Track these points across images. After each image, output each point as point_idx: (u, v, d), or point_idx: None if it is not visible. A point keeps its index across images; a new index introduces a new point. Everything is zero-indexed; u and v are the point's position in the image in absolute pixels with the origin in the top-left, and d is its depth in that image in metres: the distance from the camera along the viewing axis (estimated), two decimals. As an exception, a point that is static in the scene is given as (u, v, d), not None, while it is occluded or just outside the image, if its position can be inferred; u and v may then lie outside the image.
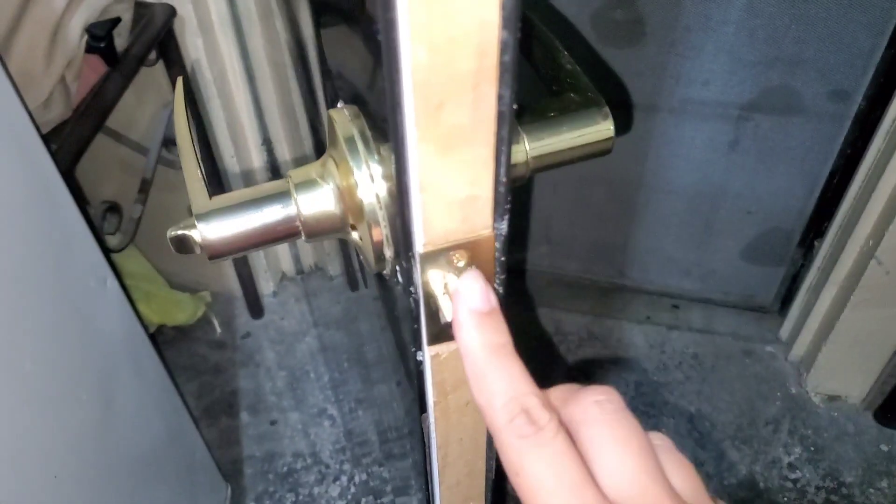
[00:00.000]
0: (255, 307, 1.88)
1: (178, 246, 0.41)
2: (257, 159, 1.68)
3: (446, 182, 0.33)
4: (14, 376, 0.84)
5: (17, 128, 0.88)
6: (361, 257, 0.44)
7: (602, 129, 0.43)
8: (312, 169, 0.42)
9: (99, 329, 1.04)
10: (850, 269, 1.53)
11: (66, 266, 0.96)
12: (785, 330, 1.81)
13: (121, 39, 1.22)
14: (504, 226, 0.36)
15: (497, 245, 0.37)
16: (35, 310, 0.89)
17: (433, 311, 0.39)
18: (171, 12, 1.35)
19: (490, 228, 0.36)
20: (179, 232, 0.41)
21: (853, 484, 1.59)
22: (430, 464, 0.50)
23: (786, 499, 1.57)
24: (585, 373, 1.78)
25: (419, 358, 0.42)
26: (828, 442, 1.66)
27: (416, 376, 0.43)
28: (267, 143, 1.67)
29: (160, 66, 1.41)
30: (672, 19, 1.40)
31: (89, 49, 1.15)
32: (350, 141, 0.40)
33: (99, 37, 1.12)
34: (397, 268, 0.40)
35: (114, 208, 1.30)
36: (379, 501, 1.58)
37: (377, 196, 0.40)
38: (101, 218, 1.28)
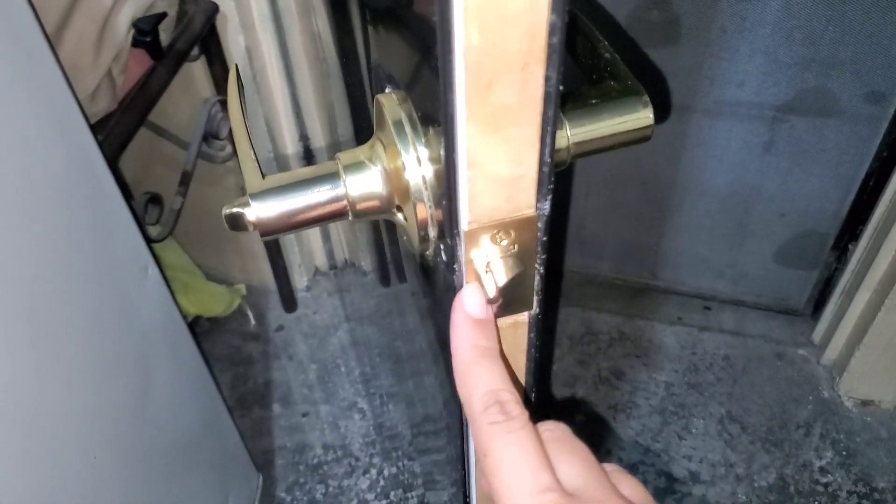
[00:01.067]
0: (289, 301, 1.90)
1: (232, 223, 0.43)
2: (294, 155, 1.70)
3: (493, 160, 0.35)
4: (58, 360, 0.87)
5: (68, 118, 0.90)
6: (405, 238, 0.46)
7: (642, 116, 0.45)
8: (361, 151, 0.43)
9: (139, 316, 1.07)
10: (884, 273, 1.53)
11: (109, 253, 0.99)
12: (818, 333, 1.80)
13: (165, 35, 1.24)
14: (547, 206, 0.38)
15: (540, 225, 0.38)
16: (79, 295, 0.91)
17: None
18: (214, 9, 1.38)
19: (533, 208, 0.37)
20: (234, 210, 0.43)
21: (885, 489, 1.58)
22: (466, 446, 0.52)
23: (817, 503, 1.57)
24: (615, 373, 1.78)
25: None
26: (860, 447, 1.65)
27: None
28: (304, 139, 1.69)
29: (201, 61, 1.44)
30: (708, 20, 1.40)
31: (135, 43, 1.17)
32: (398, 124, 0.42)
33: (145, 31, 1.14)
34: (441, 246, 0.42)
35: (155, 199, 1.33)
36: (408, 495, 1.60)
37: (423, 177, 0.41)
38: (142, 209, 1.30)
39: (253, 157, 0.44)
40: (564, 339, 1.84)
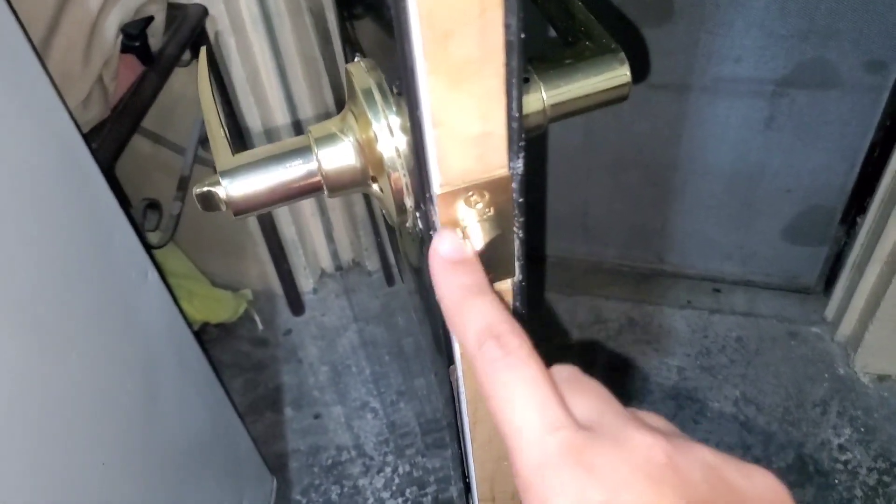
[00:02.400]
0: (296, 304, 1.90)
1: (204, 203, 0.42)
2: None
3: (459, 117, 0.34)
4: (62, 367, 0.86)
5: (59, 127, 0.90)
6: (383, 211, 0.45)
7: (618, 74, 0.43)
8: (332, 123, 0.42)
9: (141, 321, 1.06)
10: (894, 245, 1.51)
11: (107, 259, 0.98)
12: (830, 310, 1.78)
13: (155, 39, 1.24)
14: (520, 165, 0.37)
15: (514, 185, 0.37)
16: (79, 303, 0.91)
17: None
18: (203, 12, 1.37)
19: (506, 167, 0.36)
20: (205, 189, 0.42)
21: (906, 463, 1.56)
22: (461, 420, 0.51)
23: (837, 481, 1.55)
24: (626, 360, 1.77)
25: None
26: (878, 422, 1.63)
27: (441, 326, 0.43)
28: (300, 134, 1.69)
29: (194, 65, 1.44)
30: (701, -4, 1.39)
31: (125, 49, 1.17)
32: (367, 93, 0.41)
33: (133, 35, 1.14)
34: (418, 215, 0.41)
35: (154, 205, 1.33)
36: (423, 492, 1.58)
37: (396, 147, 0.40)
38: (141, 215, 1.30)
39: (223, 134, 0.43)
40: (573, 327, 1.83)
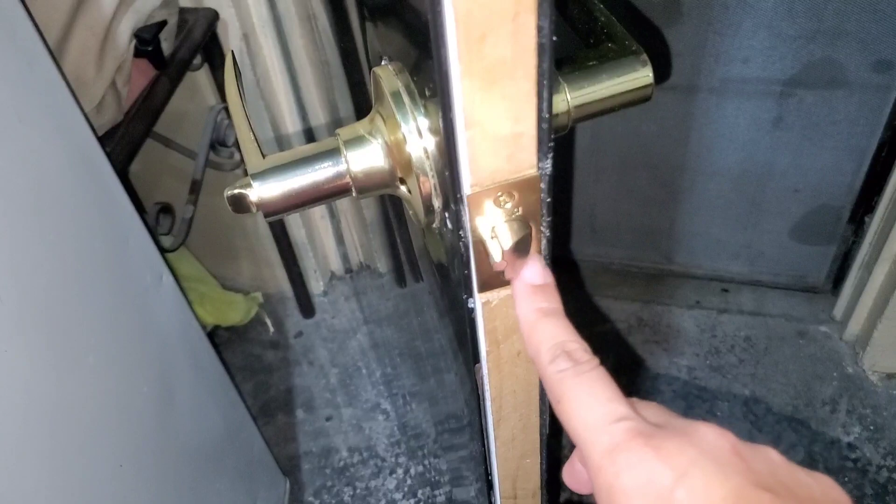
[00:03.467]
0: (307, 307, 1.90)
1: (234, 205, 0.43)
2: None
3: (491, 118, 0.34)
4: (78, 370, 0.87)
5: (75, 130, 0.91)
6: (410, 212, 0.46)
7: (641, 75, 0.44)
8: (360, 126, 0.43)
9: (156, 324, 1.07)
10: (902, 243, 1.51)
11: (123, 263, 0.99)
12: (839, 309, 1.79)
13: (167, 43, 1.25)
14: (549, 165, 0.37)
15: (542, 185, 0.38)
16: (95, 306, 0.92)
17: (482, 256, 0.40)
18: (214, 16, 1.38)
19: (535, 168, 0.37)
20: (236, 191, 0.43)
21: (916, 461, 1.56)
22: (485, 418, 0.51)
23: (847, 479, 1.55)
24: (636, 359, 1.77)
25: (470, 305, 0.43)
26: (887, 420, 1.63)
27: (468, 324, 0.44)
28: (311, 140, 1.70)
29: (205, 70, 1.45)
30: (709, -2, 1.40)
31: (138, 53, 1.18)
32: (396, 95, 0.41)
33: (146, 40, 1.15)
34: (446, 215, 0.41)
35: (166, 209, 1.34)
36: (436, 493, 1.59)
37: (424, 148, 0.41)
38: (154, 219, 1.31)
39: (252, 137, 0.44)
40: (582, 327, 1.82)
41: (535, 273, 0.41)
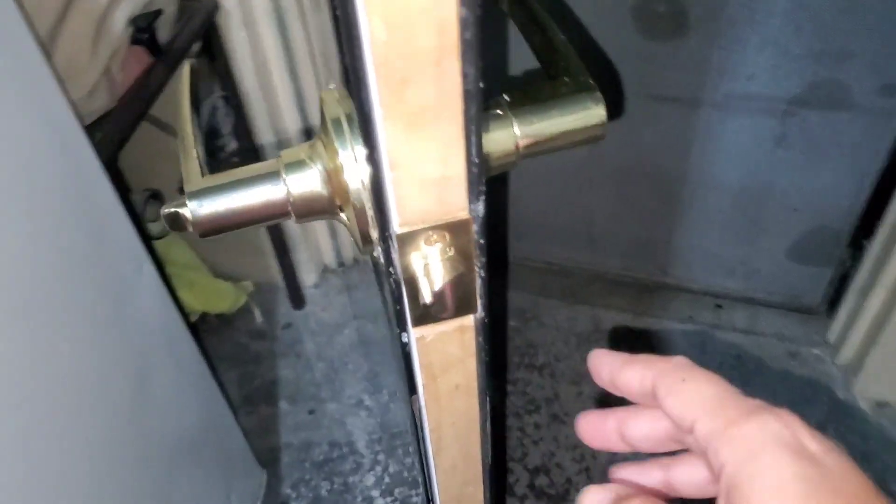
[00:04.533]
0: (297, 298, 1.90)
1: (171, 223, 0.42)
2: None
3: (417, 161, 0.33)
4: (50, 357, 0.86)
5: (56, 115, 0.90)
6: (352, 240, 0.45)
7: (593, 114, 0.43)
8: (302, 150, 0.42)
9: (135, 314, 1.06)
10: (899, 271, 1.49)
11: (102, 251, 0.99)
12: (833, 332, 1.77)
13: (164, 31, 1.24)
14: (480, 207, 0.36)
15: (475, 227, 0.37)
16: (71, 294, 0.91)
17: (415, 293, 0.39)
18: (215, 6, 1.37)
19: (466, 210, 0.36)
20: (171, 210, 0.42)
21: (899, 491, 1.55)
22: (425, 447, 0.51)
23: (828, 504, 1.54)
24: (625, 370, 1.76)
25: (404, 339, 0.42)
26: (875, 450, 1.62)
27: (402, 357, 0.43)
28: (308, 134, 1.69)
29: (205, 58, 1.44)
30: (715, 11, 1.38)
31: (134, 41, 1.17)
32: (336, 122, 0.40)
33: (143, 28, 1.14)
34: (381, 249, 0.41)
35: (156, 196, 1.33)
36: (412, 492, 1.59)
37: (362, 180, 0.40)
38: (143, 205, 1.30)
39: (195, 155, 0.43)
40: (572, 336, 1.82)
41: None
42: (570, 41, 0.49)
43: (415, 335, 0.42)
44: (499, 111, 0.42)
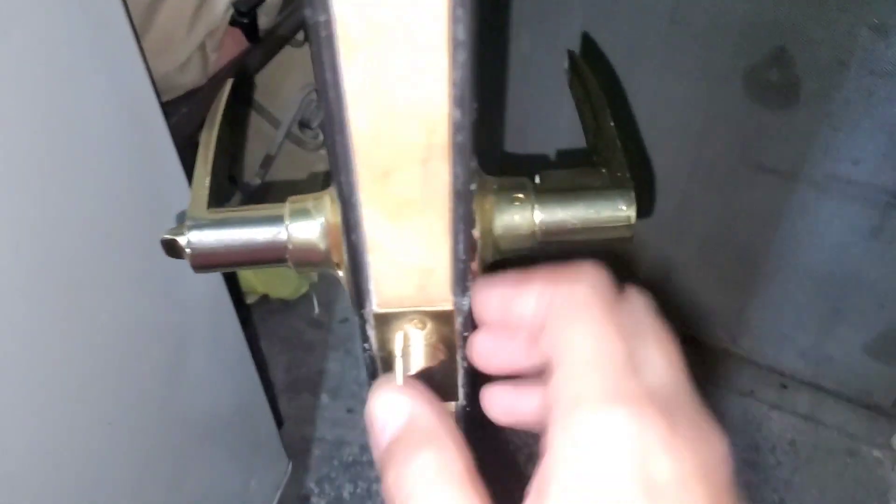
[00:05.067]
0: (359, 295, 1.90)
1: (167, 249, 0.41)
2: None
3: (397, 248, 0.32)
4: (87, 323, 0.87)
5: (133, 83, 0.91)
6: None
7: (621, 214, 0.40)
8: (310, 199, 0.41)
9: (183, 293, 1.07)
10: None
11: (159, 227, 0.99)
12: (898, 437, 1.68)
13: (267, 18, 1.25)
14: (466, 302, 0.34)
15: (459, 320, 0.35)
16: (119, 266, 0.92)
17: (390, 370, 0.38)
18: None
19: (450, 302, 0.34)
20: (169, 236, 0.41)
21: None
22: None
23: None
24: (672, 433, 1.70)
25: (377, 413, 0.40)
26: (920, 567, 1.53)
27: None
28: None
29: (307, 47, 1.45)
30: (831, 89, 1.31)
31: (233, 22, 1.18)
32: (344, 180, 0.39)
33: (243, 13, 1.15)
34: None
35: (231, 179, 1.34)
36: (432, 514, 1.57)
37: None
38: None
39: (206, 184, 0.42)
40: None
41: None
42: (632, 121, 0.47)
43: (389, 410, 0.40)
44: (521, 194, 0.40)
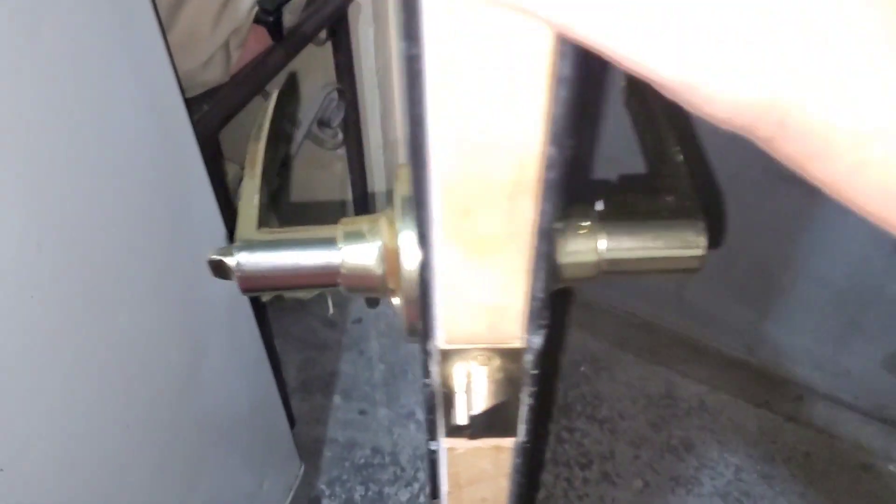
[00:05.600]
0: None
1: (214, 270, 0.40)
2: (403, 154, 1.68)
3: (472, 286, 0.30)
4: (104, 325, 0.86)
5: (161, 84, 0.89)
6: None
7: (691, 246, 0.39)
8: (364, 222, 0.39)
9: (202, 295, 1.06)
10: None
11: (181, 228, 0.98)
12: (915, 452, 1.66)
13: (291, 16, 1.23)
14: (538, 339, 0.33)
15: (528, 358, 0.33)
16: (141, 266, 0.90)
17: (450, 407, 0.36)
18: (349, -2, 1.36)
19: (521, 340, 0.33)
20: (217, 257, 0.39)
21: None
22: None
23: None
24: (686, 444, 1.69)
25: (432, 447, 0.39)
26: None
27: (428, 461, 0.40)
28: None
29: (328, 46, 1.43)
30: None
31: (257, 20, 1.17)
32: (405, 202, 0.37)
33: (268, 11, 1.13)
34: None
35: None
36: (443, 519, 1.56)
37: (417, 271, 0.37)
38: (236, 182, 1.30)
39: (256, 202, 0.41)
40: (641, 397, 1.76)
41: None
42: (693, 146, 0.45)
43: (444, 445, 0.38)
44: (586, 223, 0.38)
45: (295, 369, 1.78)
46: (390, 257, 0.38)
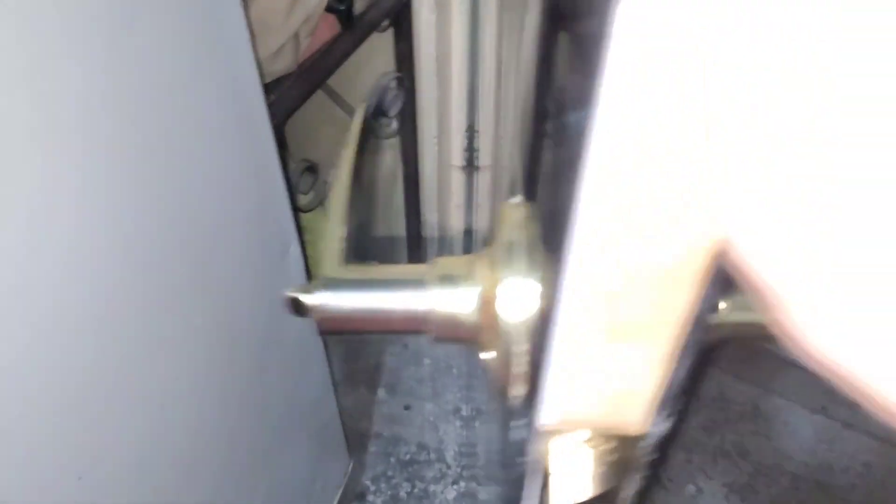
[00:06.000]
0: (421, 288, 1.86)
1: (294, 308, 0.36)
2: (457, 144, 1.64)
3: (596, 370, 0.26)
4: (181, 329, 0.83)
5: (244, 76, 0.87)
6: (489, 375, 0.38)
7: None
8: (461, 264, 0.35)
9: (272, 294, 1.03)
10: None
11: (257, 227, 0.95)
12: (981, 468, 1.60)
13: (361, 3, 1.21)
14: (663, 427, 0.29)
15: (647, 444, 0.30)
16: (221, 265, 0.88)
17: (546, 488, 0.32)
18: (413, -18, 1.33)
19: (643, 426, 0.29)
20: (296, 294, 0.36)
21: None
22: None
23: None
24: (740, 449, 1.64)
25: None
26: None
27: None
28: (470, 131, 1.62)
29: (389, 34, 1.40)
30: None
31: (328, 9, 1.14)
32: (510, 248, 0.33)
33: (342, -1, 1.11)
34: (522, 411, 0.34)
35: (311, 168, 1.30)
36: (491, 520, 1.53)
37: (523, 323, 0.33)
38: (297, 176, 1.27)
39: (341, 234, 0.37)
40: (693, 399, 1.71)
41: None
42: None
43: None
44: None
45: (339, 361, 1.76)
46: (488, 307, 0.34)
